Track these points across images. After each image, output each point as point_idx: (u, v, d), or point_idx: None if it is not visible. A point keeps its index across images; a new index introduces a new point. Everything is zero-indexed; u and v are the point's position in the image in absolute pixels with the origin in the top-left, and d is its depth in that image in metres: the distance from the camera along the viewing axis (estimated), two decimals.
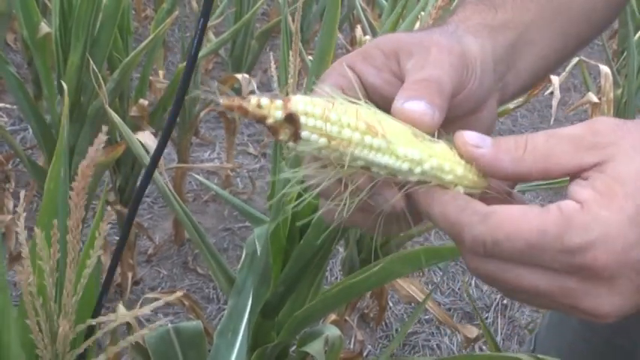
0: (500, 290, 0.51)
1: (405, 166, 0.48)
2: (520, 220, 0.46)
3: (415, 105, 0.50)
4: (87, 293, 0.78)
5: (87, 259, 0.71)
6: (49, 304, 0.72)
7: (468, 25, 0.61)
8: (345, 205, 0.49)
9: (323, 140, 0.47)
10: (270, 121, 0.47)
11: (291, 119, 0.47)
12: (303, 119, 0.47)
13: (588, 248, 0.45)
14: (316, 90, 0.51)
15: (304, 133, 0.47)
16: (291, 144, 0.48)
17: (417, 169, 0.48)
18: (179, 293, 0.79)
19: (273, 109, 0.47)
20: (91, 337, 0.75)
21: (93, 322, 0.74)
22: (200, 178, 1.96)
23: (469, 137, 0.49)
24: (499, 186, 0.51)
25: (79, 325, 0.73)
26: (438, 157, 0.49)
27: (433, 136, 0.50)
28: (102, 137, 0.70)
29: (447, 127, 0.51)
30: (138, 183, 2.09)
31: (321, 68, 1.05)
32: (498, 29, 0.63)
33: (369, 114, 0.48)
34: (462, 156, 0.49)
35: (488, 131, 0.61)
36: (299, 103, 0.47)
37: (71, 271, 0.71)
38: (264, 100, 0.47)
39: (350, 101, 0.49)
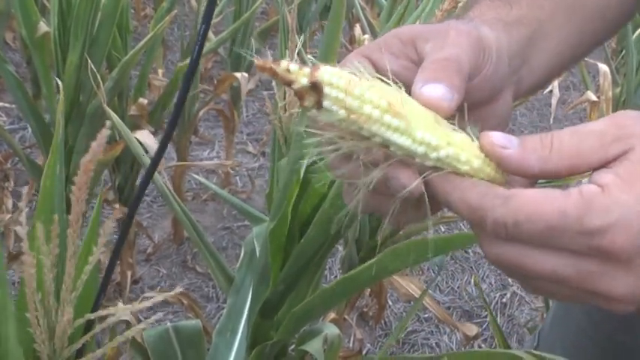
0: (518, 279, 0.51)
1: (421, 149, 0.48)
2: (541, 202, 0.46)
3: (433, 89, 0.50)
4: (86, 290, 0.78)
5: (89, 255, 0.71)
6: (47, 299, 0.72)
7: (483, 20, 0.62)
8: (364, 185, 0.50)
9: (342, 112, 0.48)
10: (296, 86, 0.48)
11: (316, 87, 0.48)
12: (327, 89, 0.48)
13: (607, 230, 0.45)
14: (347, 64, 0.52)
15: (326, 103, 0.48)
16: (313, 112, 0.49)
17: (433, 155, 0.48)
18: (178, 289, 0.79)
19: (301, 75, 0.48)
20: (89, 332, 0.75)
21: (92, 316, 0.74)
22: (199, 177, 1.97)
23: (496, 138, 0.49)
24: (517, 182, 0.51)
25: (78, 320, 0.73)
26: (455, 147, 0.49)
27: (454, 120, 0.50)
28: (105, 132, 0.70)
29: (463, 116, 0.51)
30: (137, 182, 2.10)
31: None
32: (513, 24, 0.63)
33: (393, 94, 0.49)
34: (482, 150, 0.49)
35: (504, 124, 0.61)
36: (325, 73, 0.48)
37: (71, 265, 0.72)
38: (294, 66, 0.48)
39: (379, 79, 0.49)
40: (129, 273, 2.20)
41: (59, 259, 0.73)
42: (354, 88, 0.48)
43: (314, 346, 1.14)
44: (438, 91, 0.50)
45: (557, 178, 0.49)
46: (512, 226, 0.47)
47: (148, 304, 0.75)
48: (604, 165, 0.48)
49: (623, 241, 0.46)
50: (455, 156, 0.49)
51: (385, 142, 0.48)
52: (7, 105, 2.41)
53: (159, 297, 0.72)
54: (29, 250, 0.71)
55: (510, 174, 0.50)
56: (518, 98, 0.66)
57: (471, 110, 0.52)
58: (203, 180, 1.72)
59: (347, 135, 0.49)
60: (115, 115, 1.21)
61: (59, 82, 1.28)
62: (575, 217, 0.46)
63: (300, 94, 0.48)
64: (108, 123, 0.66)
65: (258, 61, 0.49)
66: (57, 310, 0.73)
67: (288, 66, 0.48)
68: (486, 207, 0.48)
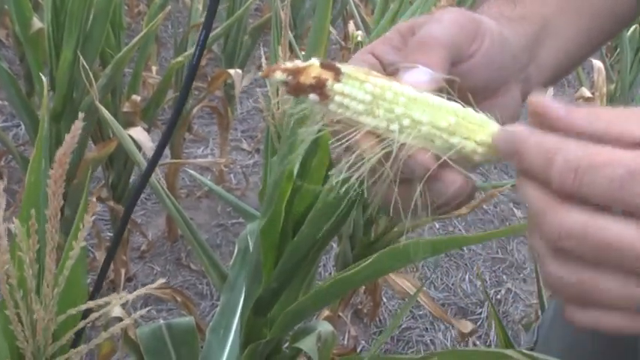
0: (572, 277, 0.43)
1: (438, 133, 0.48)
2: (619, 150, 0.40)
3: (412, 76, 0.50)
4: (73, 286, 0.78)
5: (70, 251, 0.70)
6: (29, 296, 0.72)
7: (487, 15, 0.61)
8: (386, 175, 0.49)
9: (368, 97, 0.48)
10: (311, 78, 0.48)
11: (334, 69, 0.48)
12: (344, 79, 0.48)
13: None
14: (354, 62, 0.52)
15: (347, 89, 0.48)
16: (317, 106, 0.48)
17: (452, 139, 0.48)
18: (160, 282, 0.78)
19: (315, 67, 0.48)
20: (74, 328, 0.74)
21: (73, 311, 0.73)
22: (194, 173, 1.96)
23: (544, 97, 0.45)
24: None
25: (60, 316, 0.72)
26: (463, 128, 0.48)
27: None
28: (78, 124, 0.70)
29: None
30: (131, 179, 2.09)
31: None
32: (517, 21, 0.63)
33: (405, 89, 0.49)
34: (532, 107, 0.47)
35: (512, 122, 0.60)
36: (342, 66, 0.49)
37: (51, 260, 0.71)
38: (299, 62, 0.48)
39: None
40: (122, 270, 2.20)
41: (40, 256, 0.72)
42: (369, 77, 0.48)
43: (307, 344, 1.14)
44: (416, 76, 0.50)
45: (602, 142, 0.42)
46: (585, 168, 0.40)
47: (134, 296, 0.75)
48: None
49: None
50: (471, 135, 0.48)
51: (403, 129, 0.48)
52: (2, 102, 2.41)
53: (150, 289, 0.72)
54: (8, 248, 0.71)
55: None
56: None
57: (477, 103, 0.51)
58: (197, 176, 1.71)
59: (350, 127, 0.49)
60: (108, 112, 1.21)
61: (43, 79, 1.27)
62: None
63: (316, 83, 0.48)
64: (81, 115, 0.65)
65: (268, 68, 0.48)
66: (41, 307, 0.73)
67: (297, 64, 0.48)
68: (561, 146, 0.42)
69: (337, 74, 0.48)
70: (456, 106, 0.49)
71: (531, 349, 1.07)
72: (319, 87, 0.47)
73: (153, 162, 0.84)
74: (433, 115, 0.48)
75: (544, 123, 0.44)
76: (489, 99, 0.58)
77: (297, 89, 0.47)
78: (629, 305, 0.42)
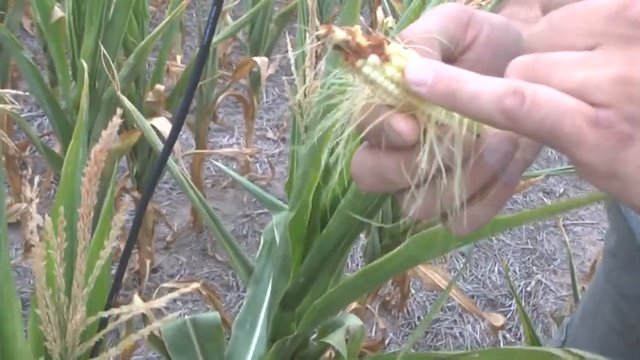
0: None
1: None
2: None
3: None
4: (99, 284, 0.75)
5: (100, 250, 0.67)
6: (57, 295, 0.69)
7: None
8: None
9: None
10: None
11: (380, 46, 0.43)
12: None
13: None
14: None
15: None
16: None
17: None
18: (195, 285, 0.75)
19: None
20: (102, 331, 0.71)
21: (105, 314, 0.70)
22: (218, 164, 1.93)
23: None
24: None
25: (90, 317, 0.69)
26: None
27: None
28: (116, 121, 0.66)
29: None
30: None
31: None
32: (533, 21, 0.59)
33: None
34: None
35: None
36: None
37: (82, 261, 0.68)
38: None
39: None
40: (148, 262, 2.18)
41: (69, 253, 0.69)
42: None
43: (336, 339, 1.11)
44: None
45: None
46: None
47: (164, 301, 0.72)
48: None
49: None
50: None
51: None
52: (21, 93, 2.38)
53: (174, 294, 0.68)
54: (39, 243, 0.68)
55: None
56: None
57: None
58: (222, 167, 1.67)
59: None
60: (130, 103, 1.18)
61: (83, 64, 1.24)
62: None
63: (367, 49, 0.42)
64: (119, 111, 0.62)
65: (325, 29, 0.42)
66: (68, 307, 0.70)
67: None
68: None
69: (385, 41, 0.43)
70: None
71: (560, 347, 1.03)
72: (379, 47, 0.43)
73: (166, 151, 0.80)
74: None
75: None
76: None
77: (357, 50, 0.42)
78: None
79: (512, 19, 0.59)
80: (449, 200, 0.44)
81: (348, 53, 0.42)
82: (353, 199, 0.94)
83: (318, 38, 0.42)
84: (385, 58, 0.42)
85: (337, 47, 0.42)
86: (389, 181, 0.45)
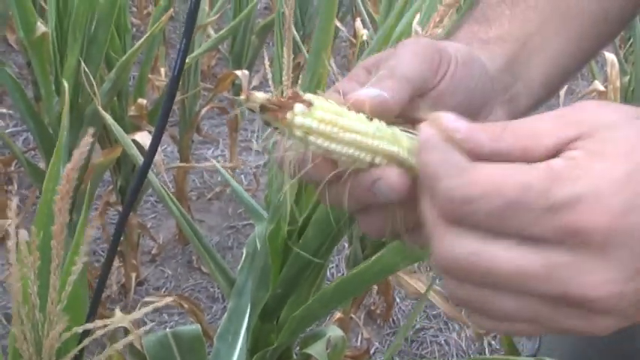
0: (471, 297, 0.43)
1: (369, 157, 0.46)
2: (501, 175, 0.40)
3: (364, 92, 0.48)
4: (75, 300, 0.76)
5: (71, 267, 0.68)
6: (32, 312, 0.70)
7: (454, 39, 0.61)
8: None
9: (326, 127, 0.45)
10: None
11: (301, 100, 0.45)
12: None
13: (576, 203, 0.39)
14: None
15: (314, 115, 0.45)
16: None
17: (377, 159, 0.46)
18: (169, 298, 0.76)
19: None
20: (79, 346, 0.72)
21: (80, 329, 0.72)
22: (206, 165, 1.94)
23: (445, 114, 0.44)
24: None
25: (64, 334, 0.70)
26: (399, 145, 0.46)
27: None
28: (88, 139, 0.67)
29: None
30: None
31: (318, 64, 1.03)
32: (494, 42, 0.62)
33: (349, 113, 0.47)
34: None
35: None
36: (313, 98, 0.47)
37: (56, 278, 0.69)
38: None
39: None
40: (133, 275, 2.18)
41: (45, 271, 0.70)
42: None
43: (317, 350, 1.12)
44: (369, 92, 0.48)
45: (508, 160, 0.42)
46: (460, 202, 0.40)
47: (141, 314, 0.73)
48: (563, 146, 0.42)
49: (594, 217, 0.39)
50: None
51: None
52: (4, 111, 2.40)
53: (149, 307, 0.70)
54: (16, 262, 0.69)
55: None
56: (520, 116, 0.63)
57: None
58: (220, 167, 1.67)
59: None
60: (110, 118, 1.19)
61: (64, 83, 1.25)
62: (540, 190, 0.39)
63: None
64: (90, 130, 0.63)
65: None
66: (43, 324, 0.71)
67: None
68: (440, 175, 0.41)
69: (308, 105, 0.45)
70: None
71: (533, 356, 1.05)
72: (297, 96, 0.45)
73: (145, 166, 0.82)
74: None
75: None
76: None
77: (282, 104, 0.45)
78: (524, 319, 0.43)
79: (473, 38, 0.61)
80: (397, 224, 0.47)
81: (276, 111, 0.44)
82: (327, 209, 0.95)
83: (241, 104, 0.45)
84: (308, 104, 0.45)
85: (264, 108, 0.45)
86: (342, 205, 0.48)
